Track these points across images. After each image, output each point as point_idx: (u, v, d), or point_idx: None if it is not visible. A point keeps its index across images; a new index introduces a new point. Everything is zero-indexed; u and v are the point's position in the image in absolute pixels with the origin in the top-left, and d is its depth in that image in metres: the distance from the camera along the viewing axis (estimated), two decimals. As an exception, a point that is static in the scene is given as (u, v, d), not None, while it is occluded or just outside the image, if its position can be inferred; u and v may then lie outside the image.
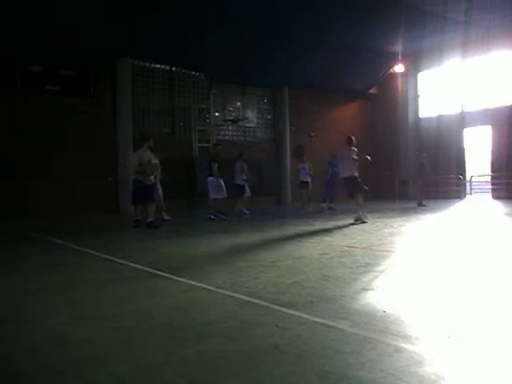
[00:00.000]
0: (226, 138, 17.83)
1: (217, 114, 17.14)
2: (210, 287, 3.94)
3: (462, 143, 19.27)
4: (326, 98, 19.94)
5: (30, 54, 13.51)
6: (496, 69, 18.01)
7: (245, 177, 12.51)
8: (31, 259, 5.88)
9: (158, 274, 4.62)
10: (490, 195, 18.79)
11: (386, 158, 20.20)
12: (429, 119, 20.41)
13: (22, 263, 5.56)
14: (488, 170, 19.17)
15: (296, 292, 3.69)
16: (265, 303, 3.37)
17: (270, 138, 19.54)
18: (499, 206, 14.17)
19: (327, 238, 7.11)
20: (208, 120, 16.94)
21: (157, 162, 9.63)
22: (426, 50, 19.18)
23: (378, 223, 9.21)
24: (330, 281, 4.09)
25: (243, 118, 17.63)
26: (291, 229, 8.77)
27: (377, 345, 2.48)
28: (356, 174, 9.58)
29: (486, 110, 18.25)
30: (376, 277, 4.22)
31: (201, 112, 16.88)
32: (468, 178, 19.21)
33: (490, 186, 19.28)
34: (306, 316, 3.02)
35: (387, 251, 5.72)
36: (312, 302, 3.35)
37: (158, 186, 10.82)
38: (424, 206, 13.86)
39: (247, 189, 12.60)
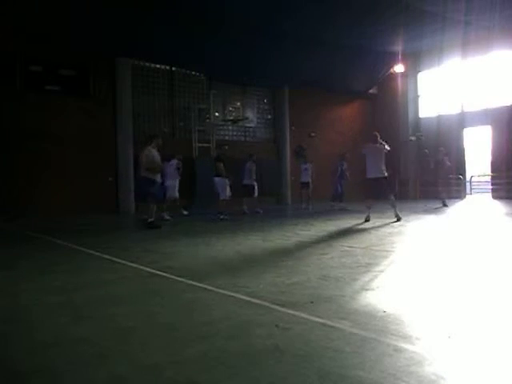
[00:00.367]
0: (226, 137, 17.83)
1: (217, 114, 17.13)
2: (209, 287, 3.94)
3: (462, 143, 19.27)
4: (326, 98, 19.94)
5: (29, 53, 13.51)
6: (496, 69, 18.01)
7: (254, 177, 12.97)
8: (31, 259, 5.88)
9: (157, 274, 4.62)
10: (489, 195, 18.79)
11: (386, 158, 20.17)
12: (429, 119, 20.41)
13: (21, 263, 5.56)
14: (488, 170, 19.17)
15: (296, 292, 3.69)
16: (265, 303, 3.37)
17: (269, 138, 19.55)
18: (499, 206, 14.17)
19: (327, 238, 7.11)
20: (208, 120, 16.93)
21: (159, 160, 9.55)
22: (426, 50, 19.19)
23: (379, 223, 9.21)
24: (330, 281, 4.09)
25: (243, 117, 17.63)
26: (291, 229, 8.76)
27: (377, 345, 2.48)
28: (386, 174, 9.23)
29: (486, 110, 18.26)
30: (376, 277, 4.22)
31: (201, 112, 16.87)
32: (468, 178, 19.21)
33: (490, 186, 19.28)
34: (305, 316, 3.02)
35: (387, 251, 5.72)
36: (312, 302, 3.35)
37: (176, 184, 11.44)
38: (446, 206, 13.59)
39: (256, 189, 13.01)
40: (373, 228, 8.42)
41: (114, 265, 5.29)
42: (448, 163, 14.46)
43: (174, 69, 16.72)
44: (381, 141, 9.42)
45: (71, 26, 12.43)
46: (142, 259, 5.52)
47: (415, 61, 20.50)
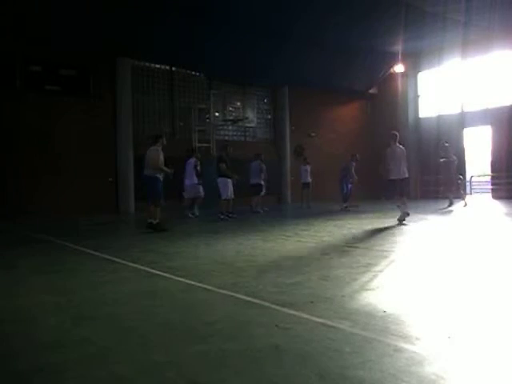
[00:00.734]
0: (226, 138, 17.83)
1: (217, 114, 17.13)
2: (210, 287, 3.94)
3: (462, 143, 19.27)
4: (326, 98, 19.93)
5: (30, 53, 13.50)
6: (496, 69, 18.01)
7: (263, 176, 13.15)
8: (31, 259, 5.88)
9: (158, 274, 4.62)
10: (489, 195, 18.78)
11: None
12: (429, 119, 20.40)
13: (21, 263, 5.56)
14: (488, 170, 19.17)
15: (296, 292, 3.70)
16: (265, 303, 3.37)
17: (270, 138, 19.55)
18: (499, 206, 14.17)
19: (327, 238, 7.11)
20: (208, 120, 16.93)
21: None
22: (426, 50, 19.17)
23: (379, 223, 9.21)
24: (330, 281, 4.09)
25: (243, 117, 17.62)
26: (291, 229, 8.76)
27: (377, 345, 2.48)
28: (407, 175, 9.39)
29: (486, 110, 18.25)
30: (376, 277, 4.22)
31: (201, 112, 16.87)
32: (468, 178, 19.20)
33: (490, 186, 19.28)
34: (305, 316, 3.02)
35: (387, 251, 5.72)
36: (312, 302, 3.36)
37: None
38: (452, 205, 13.39)
39: (263, 188, 13.20)
40: (373, 228, 8.42)
41: (114, 265, 5.29)
42: (456, 160, 14.16)
43: (174, 69, 16.72)
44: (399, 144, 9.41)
45: (71, 26, 12.42)
46: (142, 259, 5.52)
47: (415, 61, 20.49)
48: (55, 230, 9.69)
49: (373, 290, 3.73)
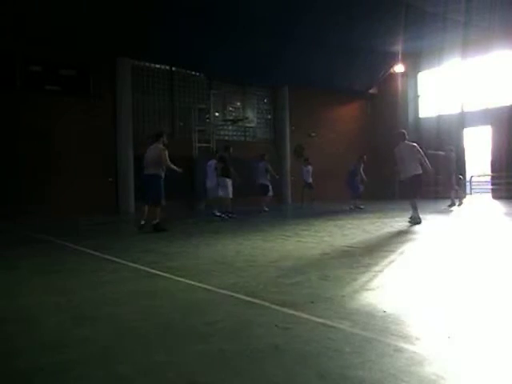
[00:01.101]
0: (226, 138, 17.83)
1: (217, 113, 17.13)
2: (209, 287, 3.94)
3: (462, 143, 19.26)
4: (326, 98, 19.94)
5: (30, 54, 13.51)
6: (496, 69, 18.01)
7: (269, 177, 13.30)
8: (31, 259, 5.88)
9: (158, 274, 4.62)
10: (489, 195, 18.79)
11: (385, 158, 20.19)
12: (429, 119, 20.40)
13: (22, 263, 5.56)
14: (488, 170, 19.17)
15: (296, 292, 3.70)
16: (265, 303, 3.37)
17: (270, 138, 19.54)
18: (499, 206, 14.17)
19: (327, 238, 7.11)
20: (208, 120, 16.93)
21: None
22: (426, 50, 19.17)
23: (379, 223, 9.21)
24: (330, 281, 4.09)
25: (243, 117, 17.62)
26: (291, 229, 8.76)
27: (377, 345, 2.48)
28: (421, 172, 8.90)
29: (486, 110, 18.25)
30: (376, 277, 4.22)
31: (201, 112, 16.87)
32: (468, 178, 19.20)
33: (490, 186, 19.28)
34: (305, 316, 3.02)
35: (387, 251, 5.72)
36: (312, 302, 3.36)
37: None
38: (454, 205, 13.32)
39: (270, 188, 13.38)
40: (373, 228, 8.42)
41: (114, 265, 5.29)
42: (455, 163, 14.10)
43: (174, 69, 16.73)
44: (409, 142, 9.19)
45: (71, 26, 12.42)
46: (142, 259, 5.52)
47: (415, 61, 20.49)
48: (55, 230, 9.69)
49: (373, 290, 3.73)
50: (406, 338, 2.57)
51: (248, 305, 3.39)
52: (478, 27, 15.63)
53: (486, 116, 18.12)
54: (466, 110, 19.16)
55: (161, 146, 8.73)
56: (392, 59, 19.62)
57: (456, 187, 13.82)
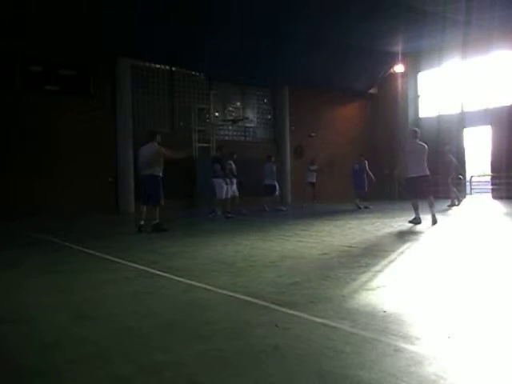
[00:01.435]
0: (226, 138, 17.83)
1: (217, 114, 17.14)
2: (209, 287, 3.94)
3: (462, 143, 19.26)
4: (326, 98, 19.93)
5: (29, 53, 13.51)
6: (496, 69, 18.01)
7: (275, 177, 13.63)
8: (31, 259, 5.88)
9: (157, 274, 4.62)
10: (489, 195, 18.78)
11: (386, 158, 20.20)
12: (429, 119, 20.40)
13: (22, 263, 5.56)
14: (488, 170, 19.16)
15: (296, 292, 3.70)
16: (265, 303, 3.37)
17: (270, 138, 19.54)
18: (499, 206, 14.17)
19: (327, 238, 7.11)
20: (208, 120, 16.93)
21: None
22: (426, 50, 19.18)
23: (379, 223, 9.20)
24: (329, 281, 4.09)
25: (243, 117, 17.62)
26: (291, 228, 8.76)
27: (377, 345, 2.48)
28: (428, 173, 8.80)
29: (486, 110, 18.24)
30: (376, 277, 4.22)
31: (201, 112, 16.88)
32: (468, 178, 19.20)
33: (490, 186, 19.27)
34: (305, 316, 3.02)
35: (387, 251, 5.72)
36: (312, 302, 3.36)
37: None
38: (456, 205, 13.32)
39: (277, 188, 13.72)
40: (373, 228, 8.42)
41: (114, 265, 5.29)
42: (455, 162, 14.10)
43: (174, 69, 16.72)
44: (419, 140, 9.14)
45: (71, 26, 12.42)
46: (143, 259, 5.51)
47: (415, 61, 20.49)
48: (55, 230, 9.68)
49: (373, 289, 3.73)
50: (406, 338, 2.57)
51: (248, 305, 3.39)
52: (478, 27, 15.62)
53: (486, 116, 18.11)
54: (466, 110, 19.16)
55: (155, 144, 8.70)
56: (392, 59, 19.62)
57: (454, 189, 13.82)
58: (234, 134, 18.45)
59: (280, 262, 5.14)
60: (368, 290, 3.74)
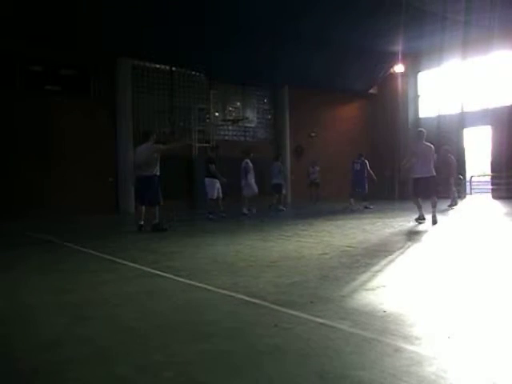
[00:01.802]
0: (226, 138, 17.82)
1: (217, 114, 17.13)
2: (209, 287, 3.94)
3: (462, 143, 19.26)
4: (326, 98, 19.93)
5: (30, 54, 13.51)
6: (496, 69, 18.00)
7: (283, 176, 13.87)
8: (31, 259, 5.88)
9: (158, 274, 4.62)
10: (489, 195, 18.78)
11: (386, 158, 20.21)
12: (429, 119, 20.39)
13: (22, 263, 5.56)
14: (488, 170, 19.16)
15: (296, 292, 3.70)
16: (265, 303, 3.37)
17: (270, 138, 19.54)
18: (499, 206, 14.17)
19: (327, 238, 7.11)
20: (208, 120, 16.93)
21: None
22: (426, 50, 19.17)
23: (379, 223, 9.21)
24: (329, 281, 4.09)
25: (243, 117, 17.62)
26: (291, 228, 8.76)
27: (377, 345, 2.48)
28: (434, 173, 8.94)
29: (486, 110, 18.23)
30: (376, 277, 4.22)
31: (201, 112, 16.87)
32: (468, 178, 19.20)
33: (490, 186, 19.27)
34: (305, 316, 3.02)
35: (387, 251, 5.72)
36: (312, 302, 3.36)
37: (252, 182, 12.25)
38: (456, 205, 13.21)
39: (284, 187, 14.03)
40: (373, 228, 8.42)
41: (114, 265, 5.29)
42: (454, 162, 14.05)
43: (174, 69, 16.71)
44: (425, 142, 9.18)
45: (71, 26, 12.42)
46: (143, 259, 5.52)
47: (415, 61, 20.48)
48: (55, 230, 9.68)
49: (373, 289, 3.73)
50: (405, 338, 2.57)
51: (248, 305, 3.39)
52: (478, 27, 15.62)
53: (486, 116, 18.10)
54: (466, 110, 19.15)
55: (151, 144, 8.75)
56: (392, 59, 19.61)
57: (453, 188, 13.80)
58: (234, 133, 18.44)
59: (280, 261, 5.14)
60: (368, 290, 3.74)
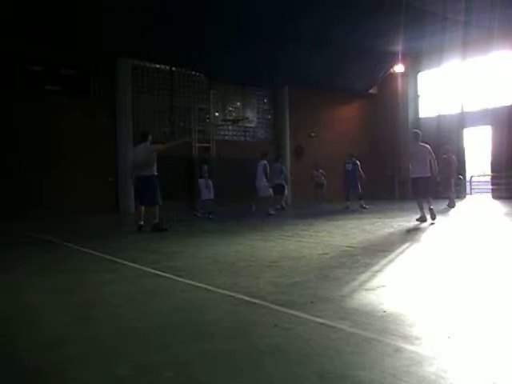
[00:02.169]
0: (226, 138, 17.82)
1: (217, 114, 17.13)
2: (210, 287, 3.94)
3: (462, 143, 19.26)
4: (326, 98, 19.91)
5: (30, 54, 13.51)
6: (496, 69, 18.01)
7: (283, 177, 13.97)
8: (31, 259, 5.88)
9: (158, 274, 4.62)
10: (489, 195, 18.78)
11: (386, 158, 20.22)
12: (429, 119, 20.39)
13: (22, 263, 5.56)
14: (488, 170, 19.16)
15: (296, 292, 3.70)
16: (265, 303, 3.37)
17: (270, 138, 19.54)
18: (499, 206, 14.17)
19: (327, 238, 7.11)
20: (208, 120, 16.93)
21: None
22: (426, 50, 19.16)
23: (379, 223, 9.21)
24: (329, 281, 4.09)
25: (243, 117, 17.61)
26: (291, 229, 8.76)
27: (377, 345, 2.48)
28: (430, 174, 9.12)
29: (486, 110, 18.23)
30: (376, 277, 4.22)
31: (201, 112, 16.87)
32: (468, 178, 19.20)
33: (490, 186, 19.27)
34: (305, 316, 3.03)
35: (387, 251, 5.72)
36: (312, 302, 3.36)
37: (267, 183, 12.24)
38: (455, 205, 13.20)
39: (286, 187, 14.09)
40: (373, 228, 8.42)
41: (114, 265, 5.29)
42: (455, 162, 14.02)
43: (174, 69, 16.71)
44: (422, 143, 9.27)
45: (71, 26, 12.42)
46: (143, 259, 5.52)
47: (415, 61, 20.48)
48: (55, 230, 9.68)
49: (372, 289, 3.73)
50: (405, 338, 2.57)
51: (248, 305, 3.39)
52: (478, 27, 15.62)
53: (486, 116, 18.10)
54: (466, 110, 19.15)
55: (148, 144, 8.80)
56: (392, 59, 19.61)
57: (453, 189, 13.79)
58: (234, 134, 18.44)
59: (280, 261, 5.14)
60: (368, 289, 3.74)
